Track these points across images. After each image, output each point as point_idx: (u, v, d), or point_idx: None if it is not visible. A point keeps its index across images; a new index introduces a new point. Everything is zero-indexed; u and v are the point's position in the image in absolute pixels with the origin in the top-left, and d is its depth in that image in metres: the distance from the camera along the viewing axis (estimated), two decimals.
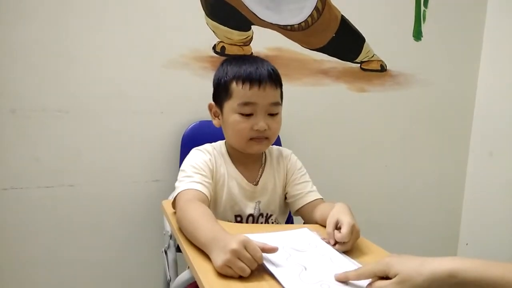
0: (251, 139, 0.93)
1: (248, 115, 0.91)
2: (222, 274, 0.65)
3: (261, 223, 1.00)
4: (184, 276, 0.82)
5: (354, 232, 0.78)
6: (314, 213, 0.95)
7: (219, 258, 0.65)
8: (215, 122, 1.00)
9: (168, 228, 1.04)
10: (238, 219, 0.97)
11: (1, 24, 1.09)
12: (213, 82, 0.99)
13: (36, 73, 1.14)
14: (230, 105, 0.93)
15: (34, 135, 1.16)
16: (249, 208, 0.98)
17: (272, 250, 0.68)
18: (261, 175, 1.01)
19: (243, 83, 0.90)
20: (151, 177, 1.30)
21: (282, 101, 0.98)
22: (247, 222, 0.98)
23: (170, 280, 1.03)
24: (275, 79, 0.93)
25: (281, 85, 0.97)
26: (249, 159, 1.00)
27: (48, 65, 1.15)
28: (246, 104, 0.91)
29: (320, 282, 0.65)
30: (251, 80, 0.90)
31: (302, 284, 0.64)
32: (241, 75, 0.91)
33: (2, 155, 1.14)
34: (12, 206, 1.16)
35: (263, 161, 1.03)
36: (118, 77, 1.22)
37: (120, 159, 1.26)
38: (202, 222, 0.75)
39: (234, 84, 0.91)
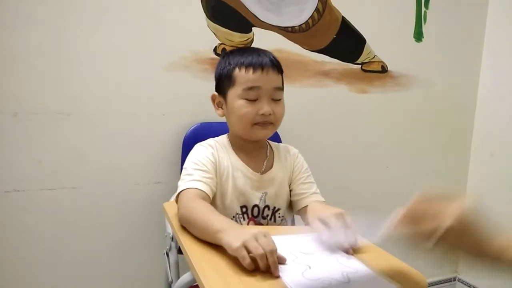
0: (255, 124, 0.94)
1: (253, 101, 0.93)
2: (224, 277, 0.65)
3: (267, 215, 1.00)
4: (185, 278, 0.82)
5: (340, 216, 0.79)
6: (307, 216, 0.96)
7: (237, 239, 0.66)
8: (219, 113, 1.01)
9: (169, 230, 1.05)
10: (244, 209, 0.97)
11: (3, 27, 1.10)
12: (215, 74, 1.00)
13: (37, 76, 1.14)
14: (234, 92, 0.94)
15: (36, 137, 1.16)
16: (255, 199, 0.98)
17: (282, 260, 0.68)
18: (268, 166, 1.01)
19: (246, 68, 0.92)
20: (153, 179, 1.30)
21: (283, 89, 0.99)
22: (252, 213, 0.98)
23: (172, 282, 1.03)
24: (277, 65, 0.95)
25: (282, 73, 0.98)
26: (253, 149, 1.01)
27: (49, 68, 1.15)
28: (250, 88, 0.92)
29: (322, 278, 0.65)
30: (254, 65, 0.92)
31: (304, 280, 0.64)
32: (244, 61, 0.93)
33: (4, 158, 1.14)
34: (14, 209, 1.16)
35: (268, 153, 1.04)
36: (119, 79, 1.22)
37: (122, 161, 1.26)
38: (214, 214, 0.78)
39: (237, 71, 0.93)
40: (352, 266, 0.71)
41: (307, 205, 0.99)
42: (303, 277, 0.65)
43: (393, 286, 0.66)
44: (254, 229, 0.67)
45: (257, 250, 0.64)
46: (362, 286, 0.65)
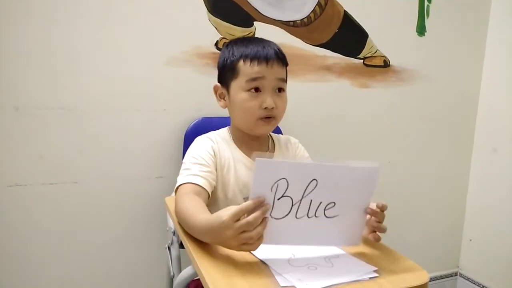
0: (259, 119, 0.94)
1: (256, 92, 0.92)
2: (224, 270, 0.65)
3: None
4: (187, 272, 0.82)
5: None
6: None
7: (231, 245, 0.67)
8: (221, 104, 1.00)
9: (171, 224, 1.05)
10: None
11: (5, 22, 1.09)
12: (218, 64, 0.99)
13: (39, 71, 1.14)
14: (237, 84, 0.93)
15: (38, 132, 1.16)
16: None
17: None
18: (270, 156, 1.01)
19: (251, 61, 0.91)
20: (154, 174, 1.30)
21: (286, 81, 0.98)
22: None
23: (174, 276, 1.04)
24: (281, 58, 0.94)
25: (286, 65, 0.97)
26: (254, 142, 1.01)
27: (51, 63, 1.15)
28: (254, 79, 0.91)
29: (308, 265, 0.68)
30: (259, 57, 0.91)
31: (291, 268, 0.67)
32: (249, 53, 0.91)
33: (6, 152, 1.14)
34: (16, 203, 1.17)
35: (269, 145, 1.04)
36: (120, 74, 1.22)
37: (123, 156, 1.26)
38: (199, 213, 0.76)
39: (241, 63, 0.92)
40: (332, 252, 0.75)
41: None
42: (290, 265, 0.68)
43: (372, 267, 0.69)
44: (224, 220, 0.66)
45: (250, 239, 0.65)
46: (344, 269, 0.68)
